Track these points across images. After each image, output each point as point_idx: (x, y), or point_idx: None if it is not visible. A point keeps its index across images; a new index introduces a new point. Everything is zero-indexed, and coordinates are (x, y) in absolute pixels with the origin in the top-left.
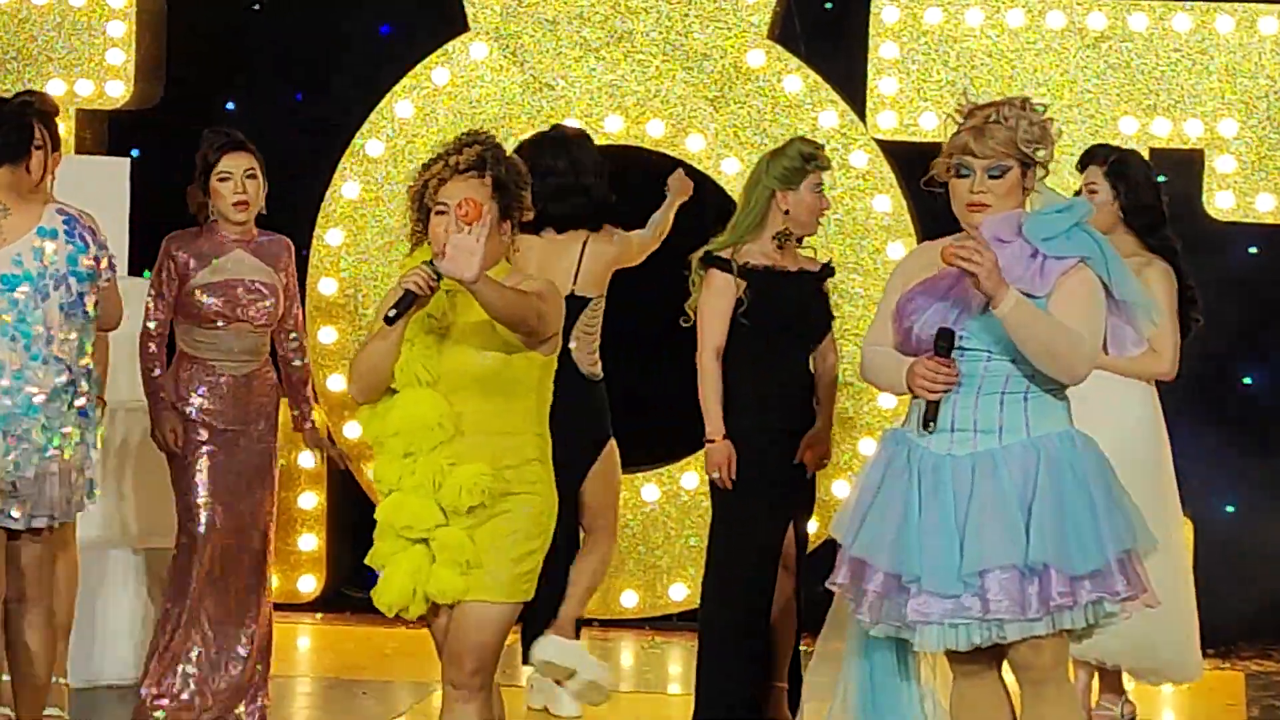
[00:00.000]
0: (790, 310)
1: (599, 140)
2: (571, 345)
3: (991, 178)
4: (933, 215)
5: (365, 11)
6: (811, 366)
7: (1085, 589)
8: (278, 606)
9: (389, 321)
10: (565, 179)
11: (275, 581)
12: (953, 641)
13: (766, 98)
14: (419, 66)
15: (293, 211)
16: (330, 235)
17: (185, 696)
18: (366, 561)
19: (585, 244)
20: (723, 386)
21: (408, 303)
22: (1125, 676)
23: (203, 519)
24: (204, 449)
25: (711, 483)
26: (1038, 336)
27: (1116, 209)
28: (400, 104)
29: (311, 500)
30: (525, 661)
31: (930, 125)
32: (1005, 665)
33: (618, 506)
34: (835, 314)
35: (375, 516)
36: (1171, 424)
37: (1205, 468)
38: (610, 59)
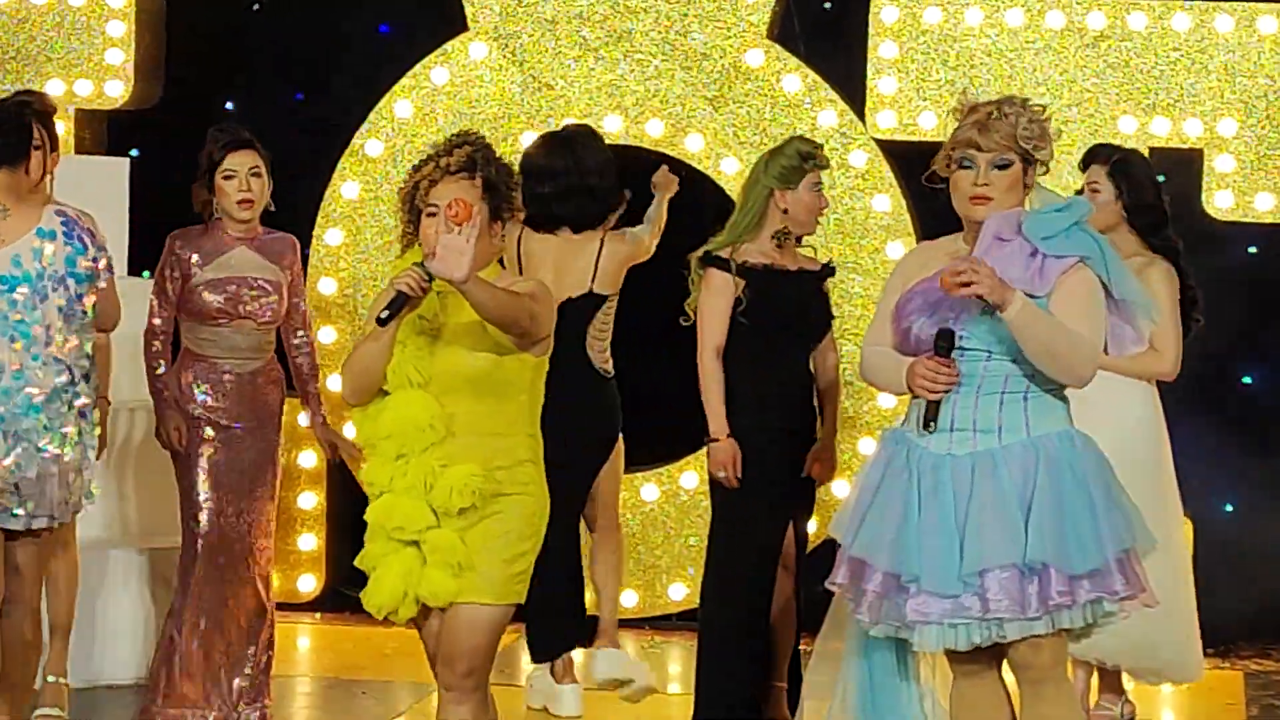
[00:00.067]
0: (789, 309)
1: None
2: (588, 342)
3: (996, 169)
4: (932, 215)
5: (365, 11)
6: (811, 366)
7: (1084, 588)
8: (278, 606)
9: (381, 323)
10: (569, 179)
11: (275, 581)
12: (952, 641)
13: (766, 97)
14: (418, 66)
15: (292, 211)
16: (330, 235)
17: (189, 696)
18: (357, 564)
19: (602, 243)
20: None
21: (399, 304)
22: (1125, 676)
23: (205, 517)
24: (208, 446)
25: (711, 482)
26: (1039, 337)
27: (1119, 208)
28: (400, 104)
29: (311, 500)
30: (535, 660)
31: (929, 125)
32: (1005, 665)
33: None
34: (835, 314)
35: (366, 518)
36: (1171, 424)
37: (1205, 467)
38: (610, 59)
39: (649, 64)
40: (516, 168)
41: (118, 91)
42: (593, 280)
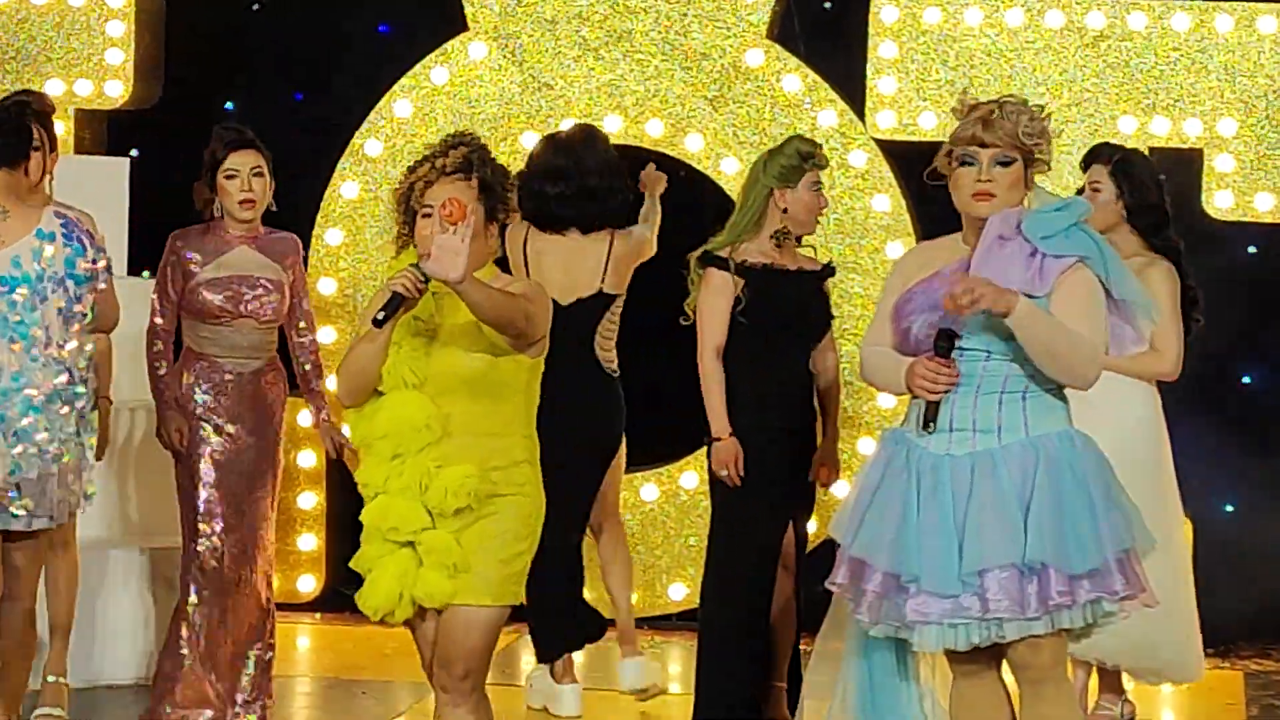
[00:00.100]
0: (789, 309)
1: None
2: (596, 342)
3: (999, 166)
4: (932, 215)
5: (365, 11)
6: (811, 366)
7: (1084, 588)
8: (278, 606)
9: (377, 324)
10: (571, 180)
11: (275, 581)
12: (952, 641)
13: (765, 97)
14: (418, 66)
15: (292, 211)
16: (330, 235)
17: (192, 696)
18: (352, 565)
19: (611, 243)
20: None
21: (395, 305)
22: (1125, 676)
23: (206, 517)
24: (208, 446)
25: (711, 482)
26: (1040, 338)
27: (1120, 208)
28: (399, 104)
29: (311, 500)
30: (541, 660)
31: (929, 124)
32: (1005, 665)
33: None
34: (835, 314)
35: (361, 519)
36: (1171, 424)
37: (1205, 467)
38: (609, 59)
39: (649, 64)
40: (517, 168)
41: (117, 91)
42: (603, 280)
